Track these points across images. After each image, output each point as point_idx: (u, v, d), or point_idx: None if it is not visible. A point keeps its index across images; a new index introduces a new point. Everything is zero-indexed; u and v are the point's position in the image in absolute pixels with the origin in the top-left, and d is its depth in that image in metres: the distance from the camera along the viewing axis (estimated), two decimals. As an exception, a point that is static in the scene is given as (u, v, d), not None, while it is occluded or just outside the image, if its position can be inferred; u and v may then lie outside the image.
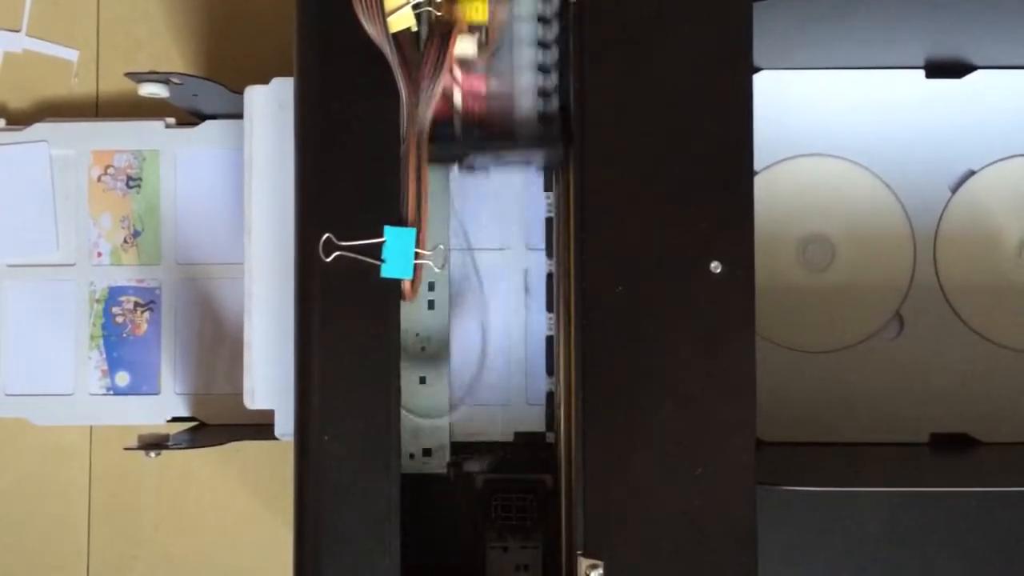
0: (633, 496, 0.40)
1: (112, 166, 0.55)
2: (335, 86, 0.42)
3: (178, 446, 0.51)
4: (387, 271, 0.41)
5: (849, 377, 0.53)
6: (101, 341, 0.55)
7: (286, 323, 0.43)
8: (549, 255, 0.50)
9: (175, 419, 0.56)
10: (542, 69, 0.43)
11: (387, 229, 0.41)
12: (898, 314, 0.54)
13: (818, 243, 0.54)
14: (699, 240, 0.41)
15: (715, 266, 0.40)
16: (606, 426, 0.40)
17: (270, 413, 0.49)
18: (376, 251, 0.41)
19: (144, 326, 0.55)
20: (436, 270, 0.44)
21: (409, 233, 0.41)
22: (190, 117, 0.57)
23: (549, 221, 0.50)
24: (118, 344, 0.55)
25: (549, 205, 0.50)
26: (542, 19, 0.43)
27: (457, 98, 0.42)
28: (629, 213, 0.41)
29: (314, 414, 0.42)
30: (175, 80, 0.53)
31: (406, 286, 0.41)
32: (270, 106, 0.48)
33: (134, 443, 0.51)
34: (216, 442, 0.54)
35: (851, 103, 0.54)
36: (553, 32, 0.43)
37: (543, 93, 0.43)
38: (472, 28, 0.41)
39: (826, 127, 0.54)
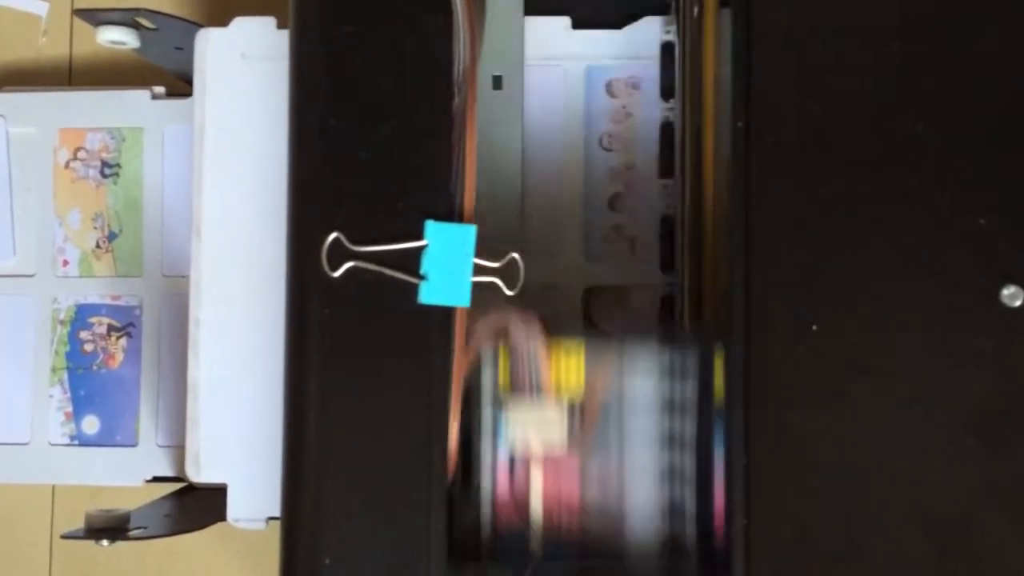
0: None
1: (84, 148, 0.50)
2: (352, 9, 0.34)
3: (143, 533, 0.41)
4: (429, 294, 0.33)
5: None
6: (65, 375, 0.50)
7: (247, 362, 0.40)
8: (666, 267, 0.39)
9: (156, 479, 0.48)
10: (671, 475, 0.34)
11: (429, 226, 0.33)
12: None
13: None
14: (979, 249, 0.30)
15: (1012, 294, 0.29)
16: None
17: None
18: (412, 261, 0.33)
19: (119, 356, 0.49)
20: (508, 293, 0.34)
21: (465, 232, 0.33)
22: (183, 85, 0.50)
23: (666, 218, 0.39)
24: (86, 379, 0.49)
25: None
26: (672, 407, 0.33)
27: (536, 505, 0.33)
28: (834, 199, 0.31)
29: (307, 520, 0.32)
30: (144, 22, 0.45)
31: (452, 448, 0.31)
32: (229, 56, 0.43)
33: (93, 519, 0.42)
34: (200, 523, 0.45)
35: None
36: (689, 425, 0.33)
37: (673, 510, 0.33)
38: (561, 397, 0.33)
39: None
